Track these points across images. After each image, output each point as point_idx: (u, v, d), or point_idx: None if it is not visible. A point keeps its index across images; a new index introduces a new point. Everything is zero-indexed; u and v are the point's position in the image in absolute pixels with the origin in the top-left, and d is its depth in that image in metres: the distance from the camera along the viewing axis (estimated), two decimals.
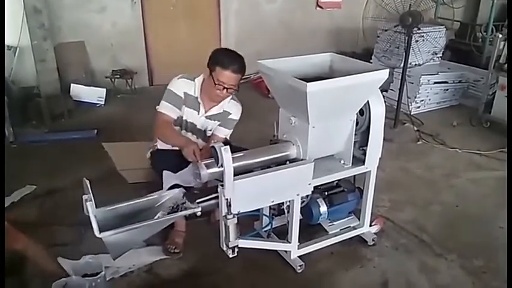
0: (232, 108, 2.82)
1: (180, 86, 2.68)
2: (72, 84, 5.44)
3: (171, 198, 2.22)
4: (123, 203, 2.14)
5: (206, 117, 2.78)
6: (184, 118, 2.77)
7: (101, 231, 1.94)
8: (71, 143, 4.35)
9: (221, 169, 2.08)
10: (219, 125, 2.83)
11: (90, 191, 2.00)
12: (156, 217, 2.15)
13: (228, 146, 2.06)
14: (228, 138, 2.87)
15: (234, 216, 2.14)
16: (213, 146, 2.10)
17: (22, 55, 5.23)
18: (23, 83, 5.27)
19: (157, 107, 2.71)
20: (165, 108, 2.67)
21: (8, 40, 5.09)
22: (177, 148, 2.70)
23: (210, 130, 2.82)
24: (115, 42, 5.88)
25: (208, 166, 2.17)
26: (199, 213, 2.20)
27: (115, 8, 5.75)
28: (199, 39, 6.47)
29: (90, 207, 1.98)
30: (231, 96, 2.80)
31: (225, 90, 2.60)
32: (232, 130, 2.90)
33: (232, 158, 2.25)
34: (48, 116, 4.81)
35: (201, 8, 6.38)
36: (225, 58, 2.57)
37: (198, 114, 2.73)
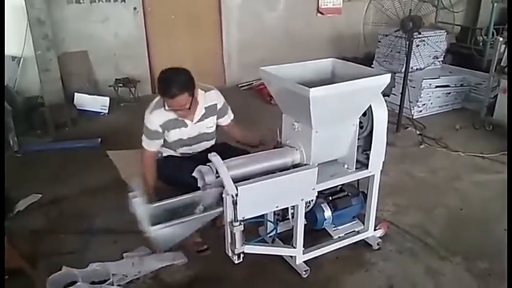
0: (213, 99, 2.81)
1: (154, 120, 2.68)
2: (75, 93, 5.50)
3: (208, 197, 2.26)
4: (165, 200, 2.24)
5: (196, 122, 2.79)
6: (179, 138, 2.78)
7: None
8: (75, 152, 4.39)
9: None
10: (217, 117, 2.84)
11: (138, 188, 2.11)
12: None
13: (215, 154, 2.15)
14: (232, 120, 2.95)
15: (240, 224, 2.16)
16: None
17: (26, 65, 5.29)
18: (27, 92, 5.33)
19: (142, 138, 2.75)
20: (146, 144, 2.74)
21: (12, 51, 5.15)
22: (178, 155, 2.73)
23: (208, 127, 2.83)
24: (118, 52, 5.92)
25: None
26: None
27: (117, 18, 5.81)
28: (201, 47, 6.52)
29: (137, 203, 2.11)
30: (203, 91, 2.76)
31: (180, 110, 2.61)
32: (231, 112, 2.95)
33: (236, 164, 2.28)
34: (52, 125, 4.84)
35: (203, 16, 6.44)
36: (160, 86, 2.56)
37: (187, 127, 2.74)
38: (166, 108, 2.60)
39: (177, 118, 2.69)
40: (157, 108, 2.66)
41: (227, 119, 2.90)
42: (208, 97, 2.77)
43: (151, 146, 2.74)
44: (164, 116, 2.65)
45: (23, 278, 2.47)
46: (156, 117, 2.67)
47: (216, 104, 2.79)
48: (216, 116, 2.83)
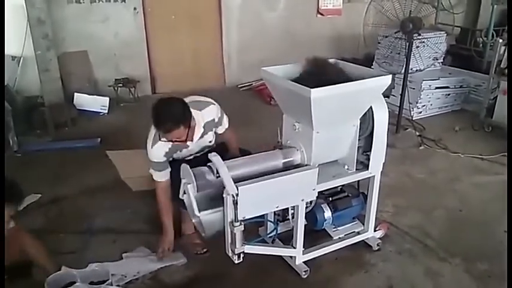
0: (210, 115, 2.72)
1: (158, 153, 2.61)
2: (75, 93, 5.50)
3: None
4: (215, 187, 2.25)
5: (197, 141, 2.73)
6: (178, 158, 2.74)
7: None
8: (75, 152, 4.38)
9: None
10: (215, 126, 2.81)
11: (192, 174, 2.16)
12: None
13: (215, 154, 2.20)
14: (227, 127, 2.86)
15: (240, 223, 2.15)
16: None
17: (26, 65, 5.28)
18: (26, 92, 5.33)
19: (150, 170, 2.69)
20: (157, 176, 2.68)
21: (12, 50, 5.15)
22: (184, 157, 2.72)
23: (210, 141, 2.82)
24: (118, 52, 5.92)
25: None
26: None
27: (117, 18, 5.81)
28: (201, 48, 6.53)
29: (191, 189, 2.19)
30: (198, 111, 2.64)
31: (175, 141, 2.53)
32: (226, 121, 2.84)
33: (237, 164, 2.28)
34: (52, 125, 4.84)
35: (203, 17, 6.44)
36: (154, 121, 2.44)
37: (188, 147, 2.71)
38: (163, 140, 2.52)
39: (178, 144, 2.63)
40: (156, 142, 2.58)
41: (221, 128, 2.84)
42: (206, 114, 2.69)
43: (163, 176, 2.67)
44: (165, 146, 2.59)
45: (23, 278, 2.47)
46: (158, 150, 2.60)
47: (214, 119, 2.75)
48: (214, 129, 2.80)
